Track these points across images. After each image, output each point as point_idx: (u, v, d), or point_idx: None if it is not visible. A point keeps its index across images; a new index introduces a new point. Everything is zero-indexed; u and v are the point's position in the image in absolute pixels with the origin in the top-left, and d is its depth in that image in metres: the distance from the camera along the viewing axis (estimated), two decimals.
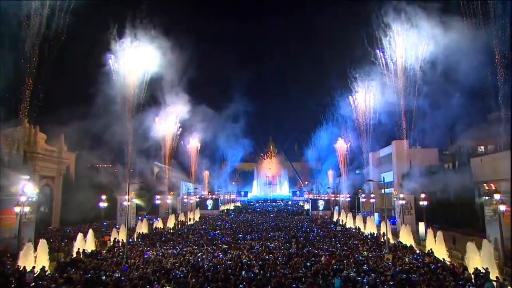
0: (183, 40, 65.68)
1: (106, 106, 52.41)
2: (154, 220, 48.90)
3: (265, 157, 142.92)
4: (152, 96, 66.90)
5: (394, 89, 55.68)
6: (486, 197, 26.94)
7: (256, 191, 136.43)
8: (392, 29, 54.35)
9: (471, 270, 20.78)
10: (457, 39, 42.60)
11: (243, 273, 19.58)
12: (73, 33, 45.10)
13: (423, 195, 37.58)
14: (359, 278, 19.29)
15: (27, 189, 27.54)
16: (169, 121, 72.33)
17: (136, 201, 44.91)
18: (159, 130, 70.77)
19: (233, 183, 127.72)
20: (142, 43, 58.97)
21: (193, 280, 18.26)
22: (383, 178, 41.77)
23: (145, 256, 25.85)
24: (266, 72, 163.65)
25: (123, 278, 19.63)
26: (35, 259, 23.14)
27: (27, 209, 26.94)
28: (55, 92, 50.50)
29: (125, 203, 37.62)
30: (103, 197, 39.21)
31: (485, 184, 26.94)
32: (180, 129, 76.20)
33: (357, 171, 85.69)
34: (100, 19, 56.45)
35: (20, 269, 20.90)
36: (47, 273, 21.11)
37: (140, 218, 47.44)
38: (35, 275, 19.99)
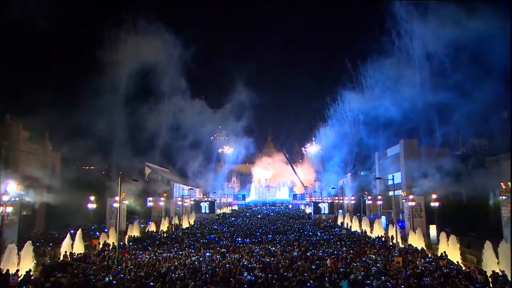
0: (179, 33, 65.79)
1: (96, 101, 52.31)
2: (144, 224, 48.66)
3: (264, 158, 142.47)
4: (145, 90, 66.95)
5: (404, 84, 55.66)
6: (503, 197, 26.95)
7: (254, 194, 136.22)
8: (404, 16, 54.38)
9: (488, 272, 20.78)
10: (477, 28, 42.18)
11: (244, 274, 19.53)
12: (61, 21, 45.04)
13: (434, 196, 37.54)
14: (368, 281, 19.28)
15: (10, 188, 27.43)
16: (162, 117, 72.36)
17: (127, 202, 44.63)
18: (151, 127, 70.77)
19: (230, 185, 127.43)
20: (137, 32, 59.20)
21: (192, 283, 18.18)
22: (393, 176, 41.63)
23: (138, 260, 25.75)
24: (265, 67, 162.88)
25: (114, 282, 19.56)
26: (19, 262, 22.99)
27: (9, 209, 26.79)
28: (40, 86, 50.30)
29: (115, 204, 37.42)
30: (92, 198, 38.95)
31: (502, 183, 26.95)
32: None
33: (362, 172, 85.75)
34: (91, 7, 56.56)
35: (3, 272, 20.74)
36: (32, 277, 21.00)
37: (131, 222, 47.15)
38: (19, 279, 19.87)
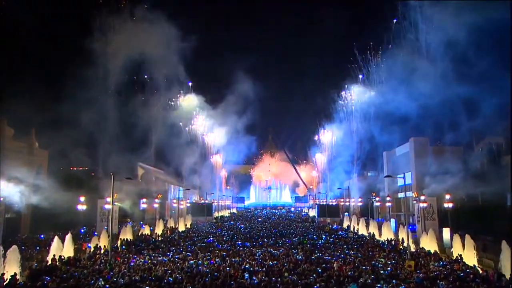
0: (177, 24, 65.64)
1: (86, 95, 52.23)
2: (138, 227, 48.56)
3: (264, 158, 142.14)
4: (139, 82, 66.97)
5: (416, 78, 55.53)
6: None
7: (254, 196, 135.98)
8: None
9: (506, 276, 20.71)
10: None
11: (246, 276, 19.50)
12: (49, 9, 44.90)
13: (447, 197, 37.45)
14: (378, 285, 19.24)
15: None
16: (157, 113, 72.51)
17: (119, 204, 44.51)
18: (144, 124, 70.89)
19: (228, 187, 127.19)
20: (134, 21, 59.40)
21: (190, 287, 18.13)
22: (404, 175, 41.48)
23: (131, 264, 25.65)
24: (265, 63, 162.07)
25: (107, 286, 19.49)
26: (4, 266, 22.90)
27: None
28: (26, 79, 50.14)
29: (107, 206, 37.33)
30: (82, 199, 38.83)
31: None
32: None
33: (369, 173, 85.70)
34: None
35: None
36: (18, 281, 20.89)
37: (122, 224, 47.09)
38: (5, 283, 19.79)
